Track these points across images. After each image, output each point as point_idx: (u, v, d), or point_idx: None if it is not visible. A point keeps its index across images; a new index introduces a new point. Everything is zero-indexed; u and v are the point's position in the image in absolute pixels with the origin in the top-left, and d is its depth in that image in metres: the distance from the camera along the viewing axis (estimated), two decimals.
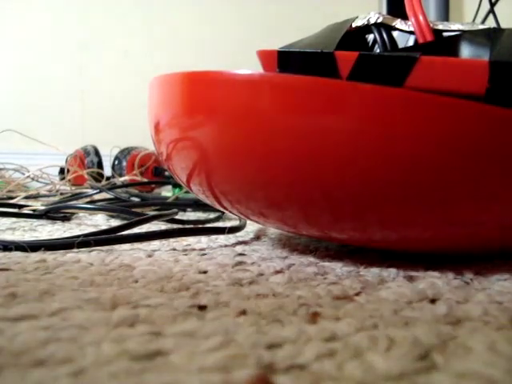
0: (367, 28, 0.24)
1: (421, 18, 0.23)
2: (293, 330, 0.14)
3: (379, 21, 0.24)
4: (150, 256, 0.26)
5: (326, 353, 0.12)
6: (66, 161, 0.91)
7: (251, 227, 0.38)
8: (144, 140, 0.84)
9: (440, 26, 0.23)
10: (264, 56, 0.25)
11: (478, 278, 0.21)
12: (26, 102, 1.35)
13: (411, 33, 0.23)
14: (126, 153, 0.91)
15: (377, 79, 0.21)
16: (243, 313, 0.16)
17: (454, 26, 0.23)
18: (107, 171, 0.84)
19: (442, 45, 0.22)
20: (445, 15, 0.85)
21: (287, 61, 0.24)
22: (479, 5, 0.69)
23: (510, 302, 0.17)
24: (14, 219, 0.42)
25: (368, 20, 0.24)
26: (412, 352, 0.13)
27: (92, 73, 1.36)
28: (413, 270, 0.22)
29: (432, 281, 0.20)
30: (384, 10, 1.30)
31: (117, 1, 1.29)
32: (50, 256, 0.25)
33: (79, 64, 1.36)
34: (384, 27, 0.24)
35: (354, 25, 0.24)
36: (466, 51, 0.22)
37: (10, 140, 1.00)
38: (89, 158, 0.90)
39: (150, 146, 0.82)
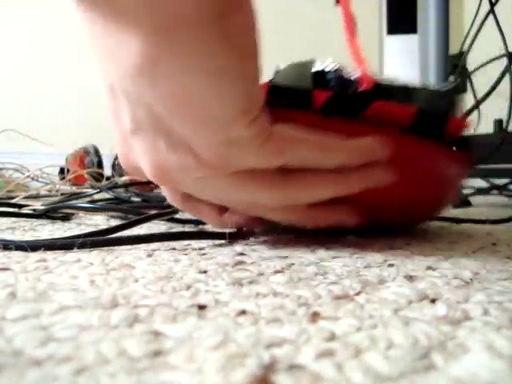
0: (324, 72, 0.31)
1: (364, 70, 0.31)
2: (293, 330, 0.14)
3: (335, 69, 0.31)
4: (150, 256, 0.26)
5: (325, 353, 0.12)
6: (66, 160, 0.91)
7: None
8: None
9: (377, 79, 0.31)
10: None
11: (477, 278, 0.21)
12: (25, 101, 1.35)
13: (358, 80, 0.30)
14: None
15: (343, 112, 0.29)
16: (243, 312, 0.16)
17: (384, 81, 0.31)
18: (107, 171, 0.84)
19: (380, 92, 0.30)
20: (445, 14, 0.85)
21: (275, 93, 0.28)
22: (479, 5, 0.69)
23: (510, 301, 0.17)
24: (14, 219, 0.42)
25: (327, 66, 0.31)
26: (411, 352, 0.13)
27: (92, 72, 1.36)
28: (413, 270, 0.22)
29: (432, 281, 0.20)
30: (384, 10, 1.30)
31: None
32: (50, 256, 0.25)
33: (79, 63, 1.36)
34: (339, 72, 0.31)
35: (314, 69, 0.31)
36: (394, 98, 0.30)
37: (10, 140, 1.00)
38: (89, 157, 0.90)
39: None
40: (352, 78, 0.31)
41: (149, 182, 0.74)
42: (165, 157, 0.24)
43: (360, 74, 0.31)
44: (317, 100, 0.29)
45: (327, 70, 0.31)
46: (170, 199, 0.31)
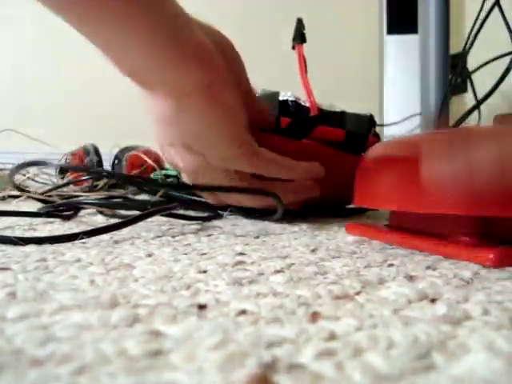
0: (286, 101, 0.45)
1: (313, 100, 0.45)
2: (293, 330, 0.14)
3: (291, 98, 0.45)
4: (149, 255, 0.26)
5: (325, 352, 0.12)
6: (66, 160, 0.91)
7: (251, 227, 0.38)
8: (144, 139, 0.84)
9: (321, 107, 0.46)
10: None
11: (477, 278, 0.21)
12: (25, 101, 1.35)
13: (308, 107, 0.45)
14: (125, 152, 0.91)
15: (298, 132, 0.43)
16: (243, 312, 0.16)
17: (325, 106, 0.46)
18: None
19: (324, 117, 0.45)
20: (445, 14, 0.84)
21: None
22: (483, 1, 0.69)
23: (510, 301, 0.17)
24: (13, 219, 0.42)
25: (287, 96, 0.45)
26: (412, 352, 0.13)
27: (92, 71, 1.36)
28: (413, 270, 0.22)
29: (432, 280, 0.20)
30: (384, 10, 1.30)
31: None
32: (50, 255, 0.25)
33: (79, 63, 1.36)
34: (296, 101, 0.45)
35: (280, 98, 0.45)
36: (332, 122, 0.45)
37: (10, 140, 1.00)
38: (89, 157, 0.90)
39: (150, 145, 0.82)
40: (305, 105, 0.45)
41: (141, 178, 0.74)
42: (188, 160, 0.39)
43: (309, 102, 0.45)
44: (282, 123, 0.43)
45: (289, 99, 0.45)
46: (185, 179, 0.45)
